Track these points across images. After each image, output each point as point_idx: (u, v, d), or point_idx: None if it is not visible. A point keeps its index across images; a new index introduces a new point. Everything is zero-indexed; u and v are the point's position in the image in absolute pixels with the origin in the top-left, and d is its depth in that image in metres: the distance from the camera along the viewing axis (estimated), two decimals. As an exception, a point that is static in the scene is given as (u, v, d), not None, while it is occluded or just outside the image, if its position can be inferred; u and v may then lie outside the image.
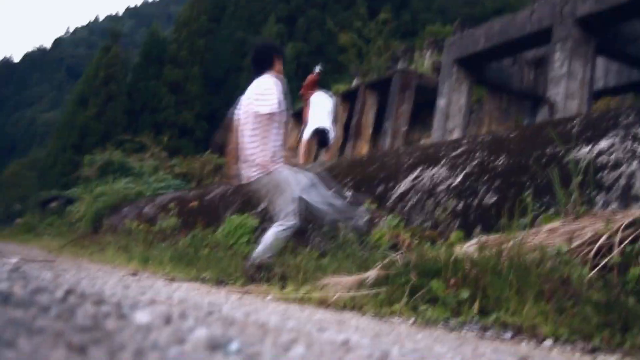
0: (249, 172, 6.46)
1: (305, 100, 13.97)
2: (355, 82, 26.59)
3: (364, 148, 21.49)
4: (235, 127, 6.96)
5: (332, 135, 13.29)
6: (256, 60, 7.62)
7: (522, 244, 3.37)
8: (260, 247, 6.42)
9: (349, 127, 22.51)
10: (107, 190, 16.10)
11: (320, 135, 13.14)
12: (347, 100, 22.99)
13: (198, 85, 59.68)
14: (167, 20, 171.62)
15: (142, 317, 1.23)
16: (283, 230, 6.40)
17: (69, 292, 1.47)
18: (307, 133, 13.46)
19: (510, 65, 16.66)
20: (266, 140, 6.66)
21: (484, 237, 3.64)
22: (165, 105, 58.48)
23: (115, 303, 1.36)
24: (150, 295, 2.42)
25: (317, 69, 14.19)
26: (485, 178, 4.82)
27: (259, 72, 7.56)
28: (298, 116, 28.15)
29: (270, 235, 6.38)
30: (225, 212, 8.65)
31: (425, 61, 24.67)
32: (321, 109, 13.36)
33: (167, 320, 1.27)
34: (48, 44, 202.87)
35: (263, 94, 7.05)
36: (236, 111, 7.11)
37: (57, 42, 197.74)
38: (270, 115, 6.70)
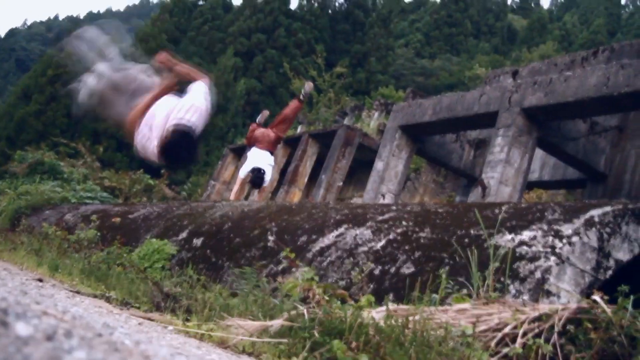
0: None
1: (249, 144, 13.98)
2: (300, 129, 26.73)
3: (296, 196, 21.52)
4: None
5: (267, 178, 13.30)
6: None
7: (429, 320, 3.39)
8: None
9: (285, 173, 22.56)
10: (32, 189, 15.83)
11: (255, 174, 13.14)
12: (289, 146, 23.07)
13: (144, 103, 59.34)
14: (126, 33, 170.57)
15: (24, 328, 1.20)
16: None
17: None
18: (243, 171, 13.46)
19: (452, 141, 16.89)
20: None
21: (393, 306, 3.65)
22: (108, 116, 57.91)
23: (3, 309, 1.32)
24: (45, 306, 2.37)
25: (259, 118, 14.34)
26: (406, 247, 4.85)
27: None
28: (235, 151, 28.15)
29: None
30: (146, 234, 8.56)
31: (371, 121, 24.92)
32: (262, 156, 13.40)
33: (50, 336, 1.24)
34: (2, 33, 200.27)
35: None
36: None
37: (11, 32, 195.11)
38: None
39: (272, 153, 13.62)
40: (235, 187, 14.15)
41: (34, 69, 69.81)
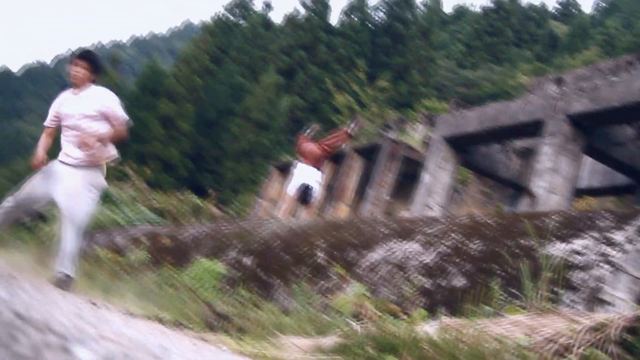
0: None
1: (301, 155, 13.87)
2: (344, 145, 26.71)
3: (343, 211, 21.50)
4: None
5: (315, 194, 13.24)
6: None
7: (483, 332, 3.36)
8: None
9: (332, 188, 22.55)
10: (82, 213, 15.99)
11: (303, 191, 13.09)
12: (335, 162, 23.04)
13: (189, 123, 59.74)
14: (169, 55, 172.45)
15: (84, 354, 1.21)
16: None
17: (17, 315, 1.45)
18: (291, 188, 13.41)
19: (498, 151, 16.78)
20: None
21: (446, 319, 3.63)
22: (154, 138, 58.43)
23: (62, 334, 1.34)
24: (101, 330, 2.39)
25: (308, 132, 14.19)
26: (457, 260, 4.82)
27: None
28: (281, 168, 28.23)
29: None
30: (195, 255, 8.60)
31: (416, 134, 24.83)
32: (309, 173, 13.33)
33: (111, 361, 1.25)
34: (49, 60, 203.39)
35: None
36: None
37: (58, 59, 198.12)
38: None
39: (318, 169, 13.54)
40: (284, 205, 14.08)
41: (79, 94, 70.72)
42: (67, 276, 7.87)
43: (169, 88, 61.65)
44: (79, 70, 8.13)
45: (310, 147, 13.58)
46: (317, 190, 13.30)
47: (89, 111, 8.11)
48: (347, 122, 26.10)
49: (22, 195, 7.97)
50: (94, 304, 4.95)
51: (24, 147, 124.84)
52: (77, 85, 8.18)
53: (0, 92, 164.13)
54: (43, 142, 8.44)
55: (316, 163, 13.44)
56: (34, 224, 20.34)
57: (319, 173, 13.49)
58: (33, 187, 8.06)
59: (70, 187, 7.95)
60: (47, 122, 8.40)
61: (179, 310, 5.82)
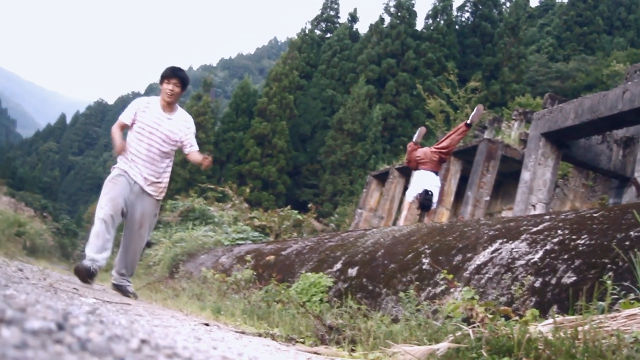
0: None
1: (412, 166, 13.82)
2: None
3: (444, 215, 21.37)
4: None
5: (435, 199, 13.15)
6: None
7: (599, 328, 3.30)
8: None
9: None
10: (186, 236, 16.30)
11: (423, 197, 13.00)
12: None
13: (284, 140, 60.31)
14: (259, 74, 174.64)
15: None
16: None
17: (143, 342, 1.49)
18: (410, 195, 13.33)
19: (598, 143, 16.44)
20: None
21: (559, 318, 3.57)
22: (251, 157, 59.21)
23: (188, 358, 1.37)
24: (222, 351, 2.43)
25: (416, 137, 14.11)
26: (565, 256, 4.74)
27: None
28: (379, 177, 28.23)
29: None
30: (300, 269, 8.66)
31: (512, 132, 24.52)
32: (428, 178, 13.25)
33: (235, 380, 1.28)
34: (142, 89, 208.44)
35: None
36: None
37: (151, 87, 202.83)
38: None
39: (437, 173, 13.44)
40: (404, 212, 13.98)
41: (174, 120, 72.06)
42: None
43: (262, 107, 62.42)
44: (173, 89, 8.42)
45: (424, 151, 13.49)
46: (437, 195, 13.22)
47: (175, 136, 8.56)
48: (439, 125, 25.88)
49: (111, 205, 8.34)
50: (206, 324, 5.03)
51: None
52: (170, 103, 8.54)
53: (97, 123, 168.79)
54: (119, 133, 8.59)
55: (435, 167, 13.35)
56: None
57: (437, 177, 13.41)
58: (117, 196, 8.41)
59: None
60: (126, 119, 8.53)
61: (290, 325, 5.87)
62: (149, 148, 8.41)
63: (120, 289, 8.72)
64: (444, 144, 13.36)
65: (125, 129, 8.61)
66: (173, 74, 8.43)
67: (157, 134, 8.41)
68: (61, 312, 1.69)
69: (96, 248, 8.17)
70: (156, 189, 8.60)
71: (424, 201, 13.01)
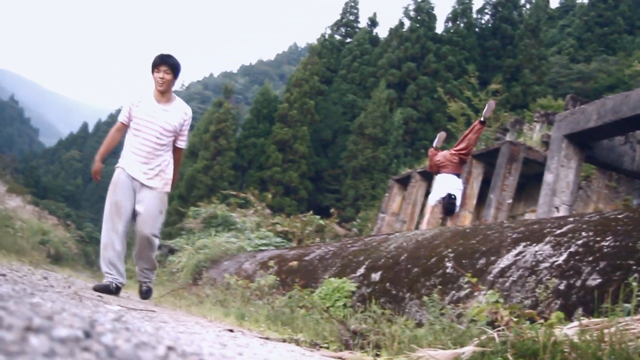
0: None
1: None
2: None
3: (466, 219, 21.30)
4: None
5: (458, 202, 13.12)
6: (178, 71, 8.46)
7: (625, 331, 3.28)
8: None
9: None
10: (209, 243, 16.34)
11: (447, 201, 12.99)
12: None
13: (305, 145, 60.36)
14: (279, 80, 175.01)
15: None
16: None
17: (170, 349, 1.49)
18: (433, 199, 13.31)
19: (621, 144, 16.34)
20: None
21: (585, 320, 3.55)
22: (272, 163, 59.32)
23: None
24: (247, 357, 2.43)
25: (436, 142, 14.11)
26: (590, 258, 4.72)
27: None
28: (400, 181, 28.18)
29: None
30: (323, 274, 8.66)
31: (534, 134, 24.41)
32: (450, 181, 13.23)
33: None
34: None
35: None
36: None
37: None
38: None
39: (458, 176, 13.42)
40: (427, 216, 13.97)
41: (196, 127, 72.41)
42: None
43: (283, 113, 62.52)
44: (163, 76, 8.15)
45: (444, 154, 13.49)
46: (459, 197, 13.20)
47: (171, 127, 8.31)
48: (461, 128, 25.79)
49: (115, 210, 8.19)
50: (230, 330, 5.04)
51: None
52: (163, 92, 8.26)
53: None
54: (109, 141, 8.52)
55: (456, 170, 13.34)
56: (163, 257, 20.89)
57: (459, 180, 13.39)
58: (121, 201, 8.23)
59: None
60: (122, 118, 8.36)
61: (314, 331, 5.87)
62: (145, 142, 8.20)
63: (140, 288, 8.98)
64: (462, 145, 13.36)
65: (125, 129, 8.47)
66: (162, 61, 8.20)
67: (153, 127, 8.19)
68: (87, 320, 1.70)
69: (106, 263, 8.24)
70: (159, 181, 8.37)
71: (448, 205, 12.99)
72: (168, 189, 8.48)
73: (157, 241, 8.63)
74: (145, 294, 8.89)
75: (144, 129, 8.17)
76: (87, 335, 1.40)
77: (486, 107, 13.66)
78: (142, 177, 8.23)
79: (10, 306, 1.51)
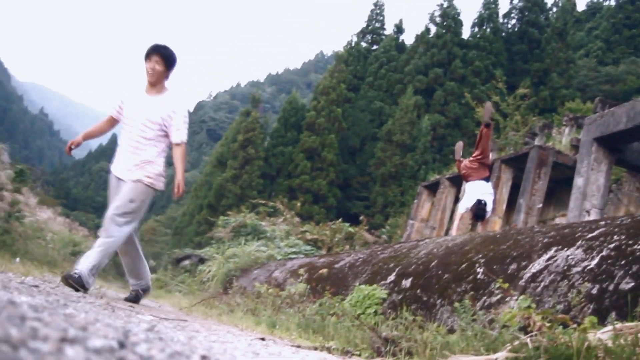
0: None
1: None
2: (491, 157, 26.38)
3: (496, 224, 21.21)
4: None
5: (489, 208, 13.09)
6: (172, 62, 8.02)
7: (660, 335, 3.25)
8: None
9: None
10: (239, 252, 16.37)
11: (477, 207, 12.96)
12: (481, 174, 22.77)
13: (333, 153, 60.41)
14: (306, 88, 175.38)
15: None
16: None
17: (204, 358, 1.50)
18: (462, 206, 13.29)
19: (652, 146, 16.23)
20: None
21: (618, 325, 3.52)
22: (301, 171, 59.43)
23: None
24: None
25: (457, 156, 14.11)
26: (622, 262, 4.68)
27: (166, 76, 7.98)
28: (429, 188, 28.12)
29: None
30: (354, 282, 8.65)
31: (563, 138, 24.29)
32: (479, 187, 13.21)
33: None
34: (191, 108, 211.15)
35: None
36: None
37: (200, 105, 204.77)
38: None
39: (487, 180, 13.39)
40: (456, 222, 13.97)
41: (225, 136, 72.77)
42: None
43: (310, 121, 62.63)
44: (154, 67, 7.75)
45: (465, 164, 13.50)
46: (491, 203, 13.16)
47: (156, 117, 7.83)
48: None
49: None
50: (262, 339, 5.05)
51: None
52: (154, 83, 7.86)
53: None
54: (96, 125, 8.37)
55: (479, 175, 13.31)
56: (194, 266, 20.98)
57: (488, 184, 13.37)
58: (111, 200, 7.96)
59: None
60: (112, 111, 8.11)
61: (345, 338, 5.87)
62: (130, 136, 7.81)
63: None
64: (477, 152, 13.37)
65: (113, 122, 8.20)
66: (153, 50, 7.77)
67: (138, 119, 7.78)
68: (121, 330, 1.71)
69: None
70: (141, 172, 7.80)
71: (478, 211, 12.96)
72: (152, 182, 7.87)
73: (115, 230, 7.71)
74: (131, 299, 8.43)
75: (131, 122, 7.83)
76: (122, 345, 1.40)
77: (485, 110, 13.71)
78: (126, 174, 7.88)
79: (45, 317, 1.52)
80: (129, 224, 7.81)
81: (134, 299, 8.38)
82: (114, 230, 7.66)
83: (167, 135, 7.95)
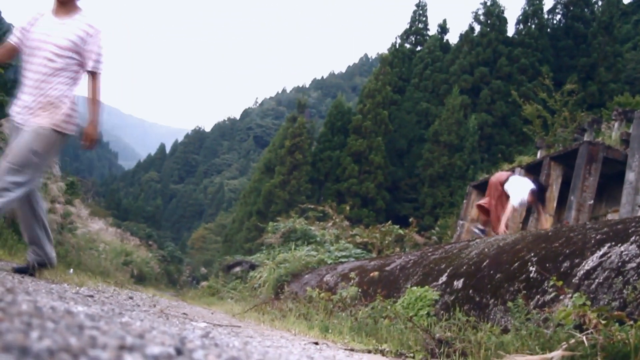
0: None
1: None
2: (539, 154, 26.15)
3: (547, 222, 21.02)
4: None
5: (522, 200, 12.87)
6: None
7: None
8: None
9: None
10: (289, 257, 16.42)
11: (537, 192, 12.75)
12: (531, 173, 22.59)
13: (381, 156, 60.22)
14: (351, 91, 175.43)
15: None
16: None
17: (259, 364, 1.51)
18: (515, 199, 12.98)
19: None
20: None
21: (677, 320, 3.47)
22: (348, 175, 59.33)
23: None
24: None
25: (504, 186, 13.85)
26: (678, 257, 4.62)
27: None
28: (478, 187, 27.93)
29: None
30: (405, 284, 8.63)
31: (612, 133, 23.98)
32: (524, 180, 13.07)
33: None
34: (237, 115, 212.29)
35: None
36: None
37: (246, 112, 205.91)
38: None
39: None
40: (506, 215, 13.68)
41: (272, 142, 73.05)
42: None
43: (357, 124, 62.51)
44: None
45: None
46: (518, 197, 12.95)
47: (66, 43, 6.55)
48: (537, 131, 25.48)
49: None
50: (316, 343, 5.06)
51: (226, 202, 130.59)
52: (64, 3, 6.63)
53: (196, 151, 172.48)
54: None
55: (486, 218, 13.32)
56: (245, 273, 21.08)
57: (525, 179, 13.25)
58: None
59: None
60: (11, 37, 6.65)
61: (398, 341, 5.85)
62: (36, 68, 6.43)
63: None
64: (484, 200, 13.33)
65: (13, 52, 6.69)
66: None
67: (45, 46, 6.46)
68: (177, 337, 1.73)
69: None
70: (46, 116, 6.41)
71: (540, 194, 12.77)
72: (59, 125, 6.50)
73: (9, 187, 6.16)
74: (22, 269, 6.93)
75: (36, 51, 6.48)
76: (179, 352, 1.42)
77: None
78: (27, 117, 6.46)
79: (103, 326, 1.54)
80: (29, 183, 6.31)
81: (24, 269, 6.84)
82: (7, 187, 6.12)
83: (80, 64, 6.66)
